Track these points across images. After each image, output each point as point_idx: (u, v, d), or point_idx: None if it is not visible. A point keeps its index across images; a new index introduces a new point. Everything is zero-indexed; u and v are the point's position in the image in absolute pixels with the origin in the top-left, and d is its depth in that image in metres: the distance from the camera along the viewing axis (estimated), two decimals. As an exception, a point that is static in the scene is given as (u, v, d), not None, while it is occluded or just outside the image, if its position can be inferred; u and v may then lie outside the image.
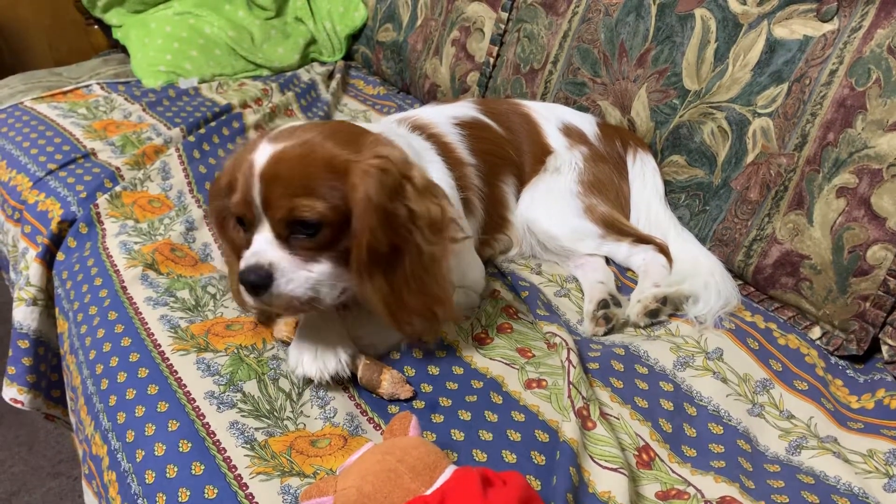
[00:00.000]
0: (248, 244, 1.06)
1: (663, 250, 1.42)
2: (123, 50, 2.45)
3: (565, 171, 1.50)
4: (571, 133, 1.56)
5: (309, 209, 1.00)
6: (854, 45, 1.24)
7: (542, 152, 1.53)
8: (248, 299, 1.05)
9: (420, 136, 1.33)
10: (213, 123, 1.88)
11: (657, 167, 1.55)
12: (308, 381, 1.08)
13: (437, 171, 1.26)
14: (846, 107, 1.24)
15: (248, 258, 1.03)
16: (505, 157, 1.49)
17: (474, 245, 1.38)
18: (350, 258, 1.03)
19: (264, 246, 1.03)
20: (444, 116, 1.44)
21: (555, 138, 1.55)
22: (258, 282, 1.01)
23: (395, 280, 1.04)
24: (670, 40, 1.52)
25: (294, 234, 1.02)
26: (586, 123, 1.60)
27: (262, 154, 1.03)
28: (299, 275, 1.02)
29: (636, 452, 0.99)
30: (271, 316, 1.19)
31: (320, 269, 1.03)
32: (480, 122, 1.50)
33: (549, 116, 1.59)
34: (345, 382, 1.09)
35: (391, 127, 1.32)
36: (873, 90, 1.20)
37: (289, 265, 1.02)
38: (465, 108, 1.53)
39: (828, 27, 1.30)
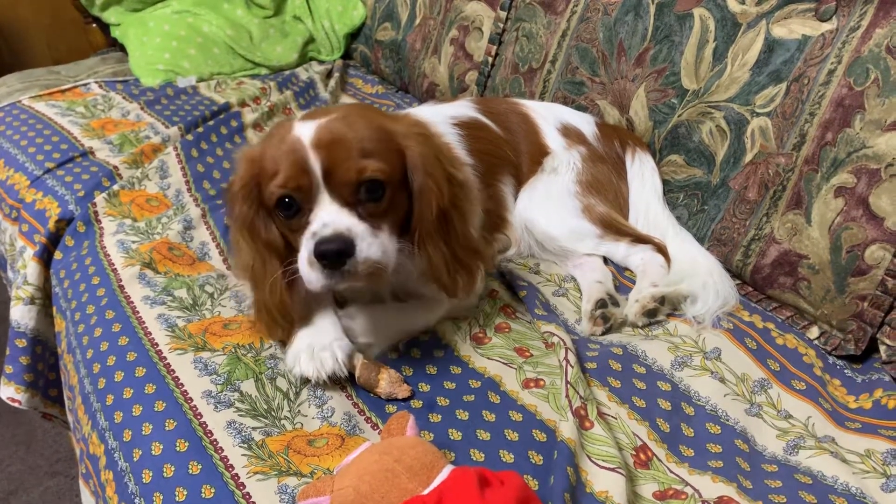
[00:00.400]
0: (301, 228, 1.02)
1: (661, 250, 1.42)
2: (122, 48, 2.45)
3: (563, 171, 1.50)
4: (570, 133, 1.56)
5: (378, 169, 1.00)
6: (852, 45, 1.24)
7: (540, 152, 1.53)
8: (320, 280, 0.99)
9: None
10: (211, 122, 1.88)
11: (656, 167, 1.55)
12: (305, 381, 1.08)
13: None
14: (844, 106, 1.23)
15: (320, 230, 0.99)
16: (503, 157, 1.49)
17: None
18: (398, 225, 1.06)
19: (334, 215, 1.00)
20: (441, 116, 1.44)
21: (553, 138, 1.55)
22: (344, 249, 0.97)
23: (451, 240, 1.08)
24: (669, 39, 1.52)
25: (360, 199, 1.01)
26: (585, 123, 1.59)
27: (307, 130, 1.02)
28: (374, 240, 1.00)
29: (634, 452, 0.99)
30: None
31: (385, 235, 1.03)
32: (478, 122, 1.50)
33: (548, 116, 1.58)
34: (342, 382, 1.09)
35: None
36: (871, 90, 1.20)
37: (365, 231, 1.00)
38: (463, 108, 1.53)
39: (826, 27, 1.30)
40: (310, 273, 1.00)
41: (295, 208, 1.03)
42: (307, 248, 0.99)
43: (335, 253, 0.97)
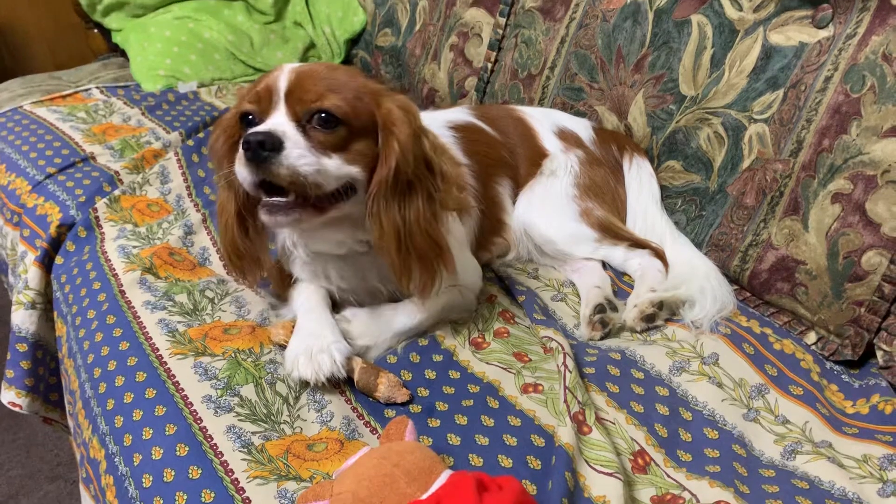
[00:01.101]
0: None
1: (659, 255, 1.43)
2: (123, 54, 2.46)
3: (561, 174, 1.50)
4: (567, 137, 1.57)
5: (337, 104, 1.04)
6: (849, 52, 1.25)
7: (538, 155, 1.54)
8: (247, 176, 1.02)
9: None
10: (211, 127, 1.88)
11: (653, 172, 1.56)
12: (304, 384, 1.08)
13: None
14: (841, 113, 1.24)
15: (259, 127, 1.03)
16: (499, 159, 1.50)
17: (471, 247, 1.39)
18: (358, 166, 1.07)
19: (278, 121, 1.04)
20: (437, 120, 1.46)
21: (550, 142, 1.56)
22: (267, 142, 0.99)
23: (407, 215, 1.08)
24: (667, 46, 1.53)
25: (311, 123, 1.04)
26: (582, 128, 1.60)
27: (294, 64, 1.09)
28: (309, 155, 1.02)
29: (631, 457, 1.00)
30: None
31: (329, 162, 1.05)
32: (474, 126, 1.51)
33: (544, 120, 1.60)
34: (341, 385, 1.10)
35: None
36: (868, 97, 1.21)
37: (302, 142, 1.03)
38: (459, 113, 1.55)
39: (823, 34, 1.30)
40: (239, 170, 1.03)
41: (254, 123, 1.07)
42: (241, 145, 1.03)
43: (258, 143, 0.99)
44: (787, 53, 1.34)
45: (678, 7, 1.52)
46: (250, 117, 1.09)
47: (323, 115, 1.04)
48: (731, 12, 1.44)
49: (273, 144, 0.99)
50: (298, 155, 1.01)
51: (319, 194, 1.05)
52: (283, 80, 1.06)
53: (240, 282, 1.31)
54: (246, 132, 1.04)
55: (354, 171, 1.07)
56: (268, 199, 1.04)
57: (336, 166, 1.05)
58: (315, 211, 1.07)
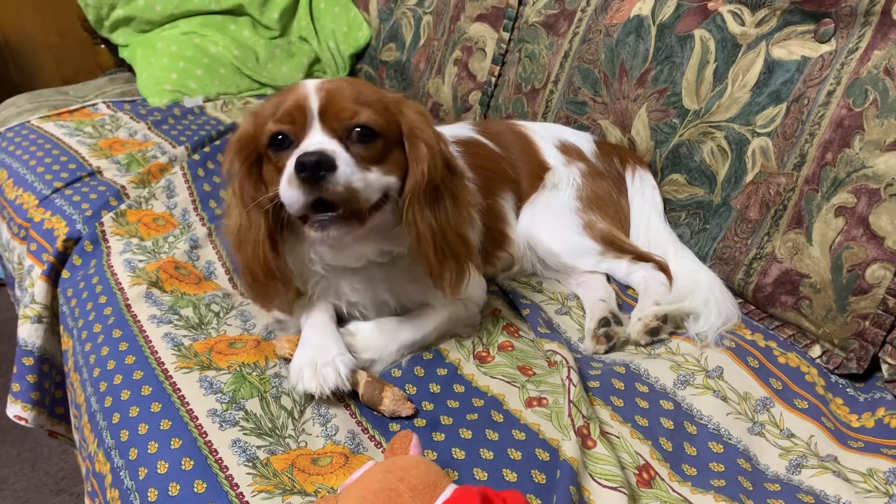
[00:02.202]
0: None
1: (663, 268, 1.43)
2: (130, 69, 2.48)
3: (563, 187, 1.51)
4: (568, 150, 1.58)
5: (373, 118, 1.06)
6: (851, 66, 1.26)
7: (540, 169, 1.54)
8: (299, 198, 1.02)
9: None
10: (217, 142, 1.90)
11: (656, 184, 1.56)
12: (309, 397, 1.08)
13: None
14: (844, 127, 1.25)
15: (306, 149, 1.03)
16: (501, 173, 1.51)
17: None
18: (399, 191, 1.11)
19: (322, 141, 1.05)
20: None
21: (551, 155, 1.56)
22: (324, 161, 1.00)
23: (440, 217, 1.11)
24: (670, 60, 1.54)
25: (351, 139, 1.06)
26: (583, 141, 1.61)
27: (313, 83, 1.10)
28: (358, 171, 1.05)
29: (636, 471, 1.00)
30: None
31: (374, 175, 1.07)
32: (475, 140, 1.52)
33: (545, 134, 1.61)
34: (346, 399, 1.10)
35: None
36: (870, 111, 1.21)
37: (350, 159, 1.04)
38: (460, 128, 1.56)
39: (825, 48, 1.31)
40: (289, 192, 1.03)
41: (287, 142, 1.08)
42: (290, 166, 1.03)
43: (314, 164, 0.99)
44: (790, 68, 1.35)
45: (681, 22, 1.53)
46: (280, 137, 1.08)
47: (360, 130, 1.06)
48: (733, 27, 1.45)
49: (328, 164, 1.00)
50: (351, 172, 1.03)
51: (366, 207, 1.07)
52: (313, 99, 1.06)
53: (258, 301, 1.24)
54: (278, 153, 1.07)
55: (392, 180, 1.10)
56: (317, 216, 1.05)
57: (377, 178, 1.08)
58: (358, 223, 1.08)
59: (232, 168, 1.15)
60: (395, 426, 1.06)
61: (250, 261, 1.14)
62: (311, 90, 1.08)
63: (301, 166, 1.00)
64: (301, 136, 1.07)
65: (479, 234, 1.42)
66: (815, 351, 1.29)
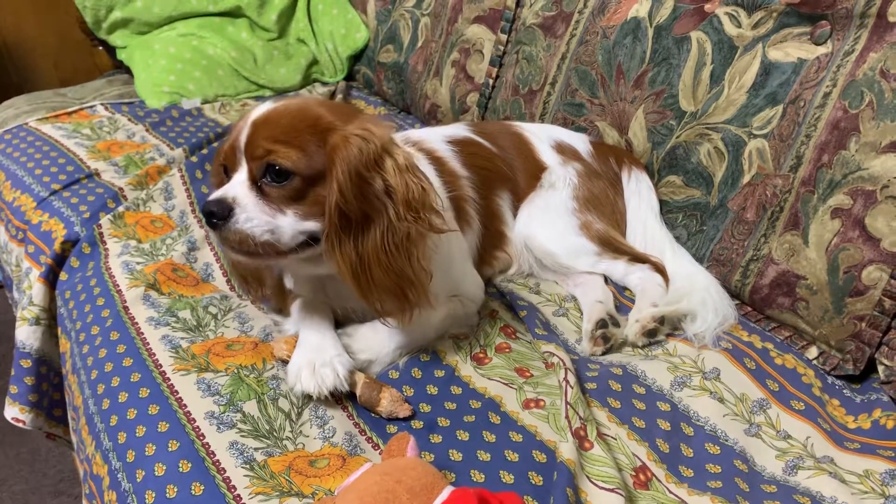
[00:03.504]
0: None
1: (659, 269, 1.44)
2: (128, 71, 2.48)
3: (560, 186, 1.52)
4: (564, 150, 1.58)
5: (284, 156, 1.05)
6: (847, 68, 1.26)
7: (537, 169, 1.55)
8: (211, 235, 1.10)
9: (412, 149, 1.35)
10: (215, 144, 1.90)
11: (652, 185, 1.56)
12: (307, 398, 1.09)
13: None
14: (840, 129, 1.25)
15: (215, 193, 1.07)
16: (497, 172, 1.51)
17: (473, 260, 1.40)
18: (318, 218, 1.08)
19: (234, 185, 1.08)
20: (436, 134, 1.49)
21: (548, 155, 1.57)
22: (217, 212, 1.04)
23: (365, 250, 1.06)
24: (667, 62, 1.54)
25: (266, 179, 1.06)
26: (579, 142, 1.62)
27: (261, 108, 1.11)
28: (260, 216, 1.05)
29: (633, 473, 1.00)
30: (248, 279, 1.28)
31: (284, 219, 1.07)
32: (471, 140, 1.53)
33: (541, 135, 1.61)
34: (343, 400, 1.10)
35: None
36: (866, 113, 1.22)
37: (252, 204, 1.06)
38: (457, 129, 1.57)
39: (821, 50, 1.31)
40: (207, 226, 1.09)
41: (228, 174, 1.11)
42: None
43: (209, 213, 1.05)
44: (786, 69, 1.35)
45: (678, 24, 1.53)
46: (225, 167, 1.13)
47: (272, 169, 1.06)
48: (730, 29, 1.45)
49: (222, 213, 1.04)
50: (246, 219, 1.05)
51: (285, 250, 1.08)
52: (243, 135, 1.08)
53: (244, 297, 1.34)
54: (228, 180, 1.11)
55: (310, 225, 1.08)
56: (229, 253, 1.11)
57: (290, 223, 1.07)
58: (277, 255, 1.09)
59: (214, 175, 1.21)
60: (392, 428, 1.06)
61: (226, 260, 1.26)
62: (248, 122, 1.08)
63: (202, 212, 1.06)
64: (234, 169, 1.10)
65: (477, 234, 1.42)
66: (812, 352, 1.29)
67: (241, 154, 1.08)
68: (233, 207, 1.04)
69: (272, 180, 1.06)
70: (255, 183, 1.07)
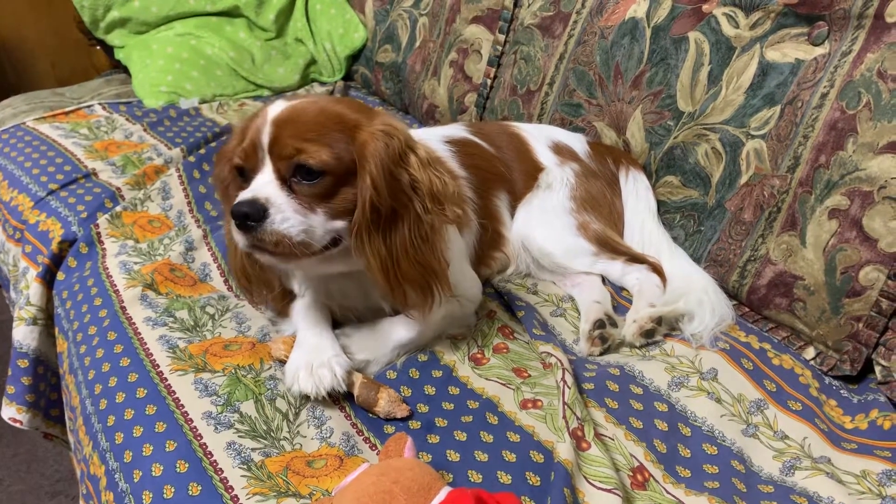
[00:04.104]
0: None
1: (657, 269, 1.44)
2: (125, 70, 2.48)
3: (557, 187, 1.52)
4: (561, 150, 1.58)
5: (315, 155, 1.04)
6: (845, 69, 1.26)
7: (534, 169, 1.55)
8: (240, 240, 1.05)
9: None
10: (213, 144, 1.90)
11: (649, 185, 1.57)
12: (305, 398, 1.09)
13: None
14: (837, 129, 1.25)
15: (243, 194, 1.04)
16: (495, 172, 1.51)
17: (471, 260, 1.40)
18: (345, 216, 1.07)
19: (263, 184, 1.05)
20: (433, 135, 1.49)
21: (545, 155, 1.57)
22: (252, 213, 1.01)
23: (393, 245, 1.07)
24: (665, 63, 1.54)
25: (295, 178, 1.05)
26: (576, 142, 1.62)
27: (278, 107, 1.09)
28: (294, 216, 1.04)
29: (630, 473, 1.00)
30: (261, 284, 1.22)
31: (316, 219, 1.06)
32: (469, 140, 1.53)
33: (538, 135, 1.61)
34: (340, 401, 1.10)
35: None
36: (864, 113, 1.22)
37: (286, 203, 1.04)
38: (455, 129, 1.57)
39: (819, 51, 1.32)
40: (234, 232, 1.06)
41: (246, 174, 1.09)
42: None
43: (243, 215, 1.02)
44: (784, 70, 1.36)
45: (676, 24, 1.53)
46: (241, 169, 1.10)
47: (303, 169, 1.05)
48: (727, 29, 1.45)
49: (257, 214, 1.02)
50: (282, 219, 1.03)
51: (314, 250, 1.07)
52: (265, 135, 1.06)
53: (248, 300, 1.32)
54: (242, 181, 1.09)
55: (339, 225, 1.08)
56: (260, 256, 1.08)
57: (322, 223, 1.06)
58: (307, 255, 1.08)
59: (218, 176, 1.19)
60: (389, 428, 1.06)
61: (232, 265, 1.22)
62: (268, 121, 1.06)
63: (233, 215, 1.02)
64: (254, 171, 1.07)
65: (475, 234, 1.42)
66: (809, 353, 1.29)
67: (264, 153, 1.06)
68: (267, 208, 1.02)
69: (302, 179, 1.05)
70: (285, 182, 1.05)
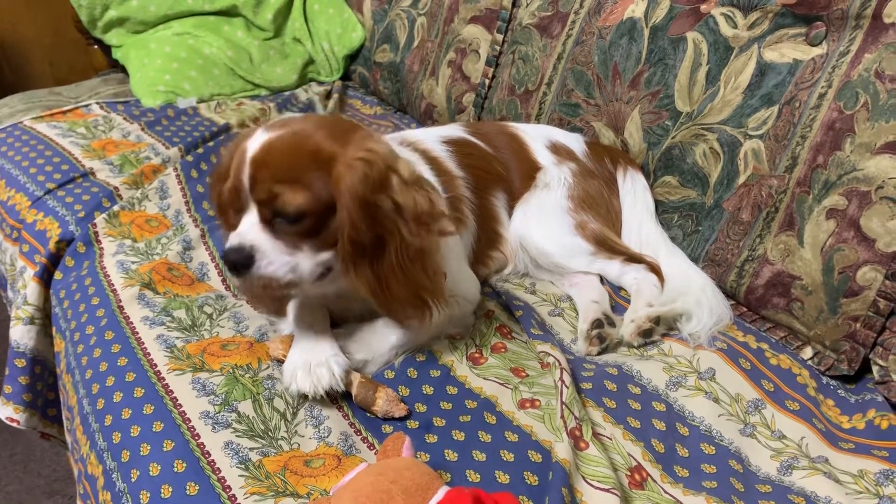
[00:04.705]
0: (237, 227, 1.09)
1: (655, 269, 1.44)
2: (123, 70, 2.47)
3: (555, 186, 1.52)
4: (559, 150, 1.59)
5: (289, 200, 1.04)
6: (842, 69, 1.26)
7: (531, 168, 1.55)
8: (234, 280, 1.08)
9: (408, 150, 1.35)
10: (211, 143, 1.90)
11: (647, 185, 1.57)
12: (303, 398, 1.09)
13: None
14: (835, 130, 1.25)
15: (232, 239, 1.06)
16: (493, 172, 1.51)
17: (469, 260, 1.40)
18: (333, 246, 1.08)
19: (248, 228, 1.06)
20: (431, 135, 1.49)
21: (542, 155, 1.57)
22: (239, 262, 1.04)
23: (381, 270, 1.08)
24: (663, 63, 1.54)
25: (278, 219, 1.06)
26: (574, 142, 1.62)
27: (256, 141, 1.08)
28: (280, 258, 1.05)
29: (628, 473, 1.00)
30: (262, 298, 1.26)
31: (302, 256, 1.07)
32: (467, 140, 1.53)
33: (536, 135, 1.61)
34: (339, 400, 1.10)
35: None
36: (861, 114, 1.22)
37: (271, 248, 1.05)
38: (452, 129, 1.57)
39: (817, 51, 1.32)
40: (227, 271, 1.09)
41: (237, 209, 1.10)
42: None
43: (232, 263, 1.05)
44: (782, 70, 1.36)
45: (674, 24, 1.53)
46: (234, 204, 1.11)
47: (281, 213, 1.05)
48: (725, 29, 1.45)
49: (244, 262, 1.04)
50: (267, 263, 1.05)
51: (305, 284, 1.09)
52: (245, 176, 1.06)
53: (239, 297, 1.33)
54: (238, 208, 1.09)
55: (327, 256, 1.08)
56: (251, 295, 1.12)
57: (309, 258, 1.07)
58: (299, 287, 1.10)
59: (215, 197, 1.20)
60: (387, 428, 1.06)
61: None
62: (246, 161, 1.06)
63: (224, 261, 1.07)
64: (241, 210, 1.08)
65: (473, 234, 1.42)
66: (807, 352, 1.30)
67: (247, 196, 1.06)
68: (252, 255, 1.04)
69: (284, 220, 1.05)
70: (269, 223, 1.06)
